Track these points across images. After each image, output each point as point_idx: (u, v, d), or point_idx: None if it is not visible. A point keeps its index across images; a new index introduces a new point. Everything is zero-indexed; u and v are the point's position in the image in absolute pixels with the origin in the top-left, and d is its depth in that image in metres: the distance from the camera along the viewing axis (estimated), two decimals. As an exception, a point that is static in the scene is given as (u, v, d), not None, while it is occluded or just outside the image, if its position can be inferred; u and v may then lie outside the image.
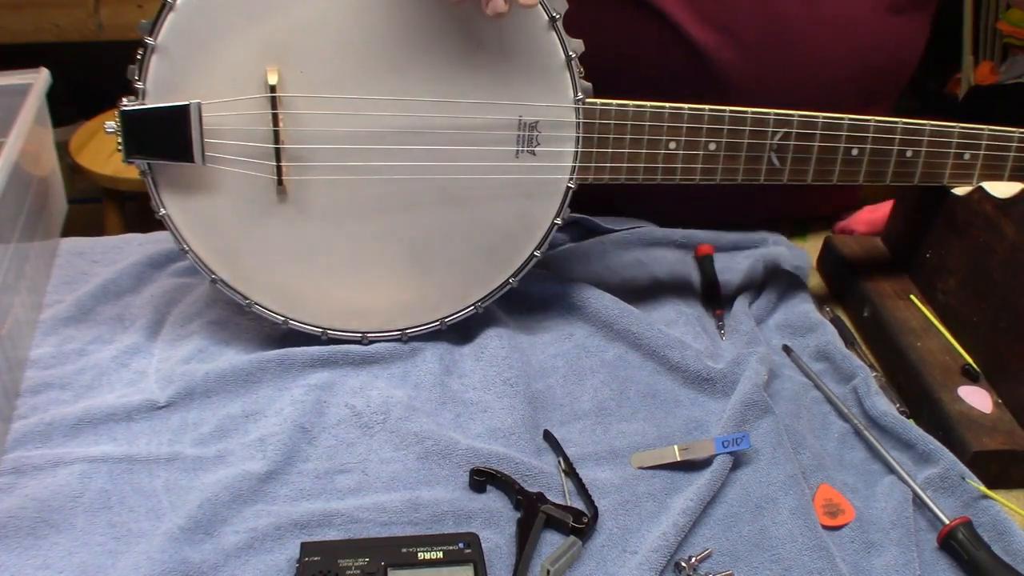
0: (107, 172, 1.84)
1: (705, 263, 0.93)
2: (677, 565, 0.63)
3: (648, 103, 0.74)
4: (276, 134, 0.69)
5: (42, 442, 0.70)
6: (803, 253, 0.96)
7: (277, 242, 0.73)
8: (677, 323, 0.84)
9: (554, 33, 0.70)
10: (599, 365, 0.80)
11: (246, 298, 0.75)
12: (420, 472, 0.69)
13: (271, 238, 0.73)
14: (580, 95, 0.72)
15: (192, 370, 0.76)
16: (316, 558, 0.60)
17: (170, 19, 0.67)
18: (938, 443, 0.72)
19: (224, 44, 0.68)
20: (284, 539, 0.63)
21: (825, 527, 0.66)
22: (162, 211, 0.72)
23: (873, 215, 0.99)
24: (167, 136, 0.68)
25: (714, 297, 0.89)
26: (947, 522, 0.65)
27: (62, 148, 1.73)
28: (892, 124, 0.78)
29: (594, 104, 0.73)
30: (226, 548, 0.62)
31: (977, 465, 0.70)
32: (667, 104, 0.75)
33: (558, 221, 0.73)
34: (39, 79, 0.89)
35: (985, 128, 0.81)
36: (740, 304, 0.87)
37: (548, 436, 0.73)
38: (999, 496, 0.69)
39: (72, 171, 1.84)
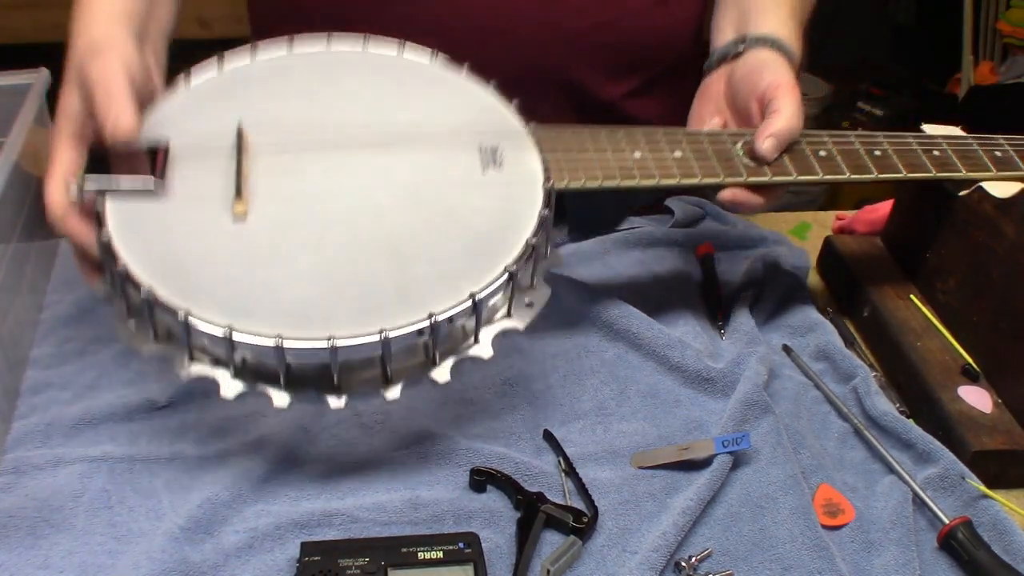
0: (107, 172, 1.84)
1: (705, 263, 0.93)
2: (677, 565, 0.63)
3: (601, 127, 0.76)
4: (239, 164, 0.68)
5: (42, 442, 0.70)
6: (803, 253, 0.96)
7: (230, 257, 0.65)
8: (677, 323, 0.84)
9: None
10: (599, 365, 0.80)
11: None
12: (420, 472, 0.69)
13: (224, 254, 0.65)
14: (531, 123, 0.74)
15: (192, 370, 0.75)
16: (316, 558, 0.60)
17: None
18: (938, 443, 0.72)
19: (207, 114, 0.72)
20: (284, 539, 0.63)
21: (825, 527, 0.66)
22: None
23: (873, 215, 0.99)
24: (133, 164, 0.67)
25: (714, 297, 0.89)
26: (947, 522, 0.66)
27: (62, 148, 1.73)
28: (846, 133, 0.80)
29: (546, 127, 0.74)
30: (226, 548, 0.62)
31: (977, 465, 0.71)
32: (620, 127, 0.77)
33: (545, 212, 0.70)
34: (39, 79, 0.89)
35: (941, 136, 0.82)
36: (740, 304, 0.87)
37: (548, 436, 0.73)
38: (999, 496, 0.69)
39: (72, 171, 1.84)
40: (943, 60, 2.70)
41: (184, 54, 0.85)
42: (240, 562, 0.62)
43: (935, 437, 0.73)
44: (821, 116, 2.78)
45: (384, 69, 0.77)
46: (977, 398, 0.76)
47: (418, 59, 0.78)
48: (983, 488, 0.69)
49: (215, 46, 1.00)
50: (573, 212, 0.73)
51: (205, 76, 0.76)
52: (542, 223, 0.67)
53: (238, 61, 0.77)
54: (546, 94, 0.92)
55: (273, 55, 0.77)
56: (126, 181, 0.65)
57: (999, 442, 0.72)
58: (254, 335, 0.59)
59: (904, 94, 2.71)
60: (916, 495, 0.69)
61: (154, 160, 0.66)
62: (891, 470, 0.71)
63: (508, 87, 0.82)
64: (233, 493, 0.66)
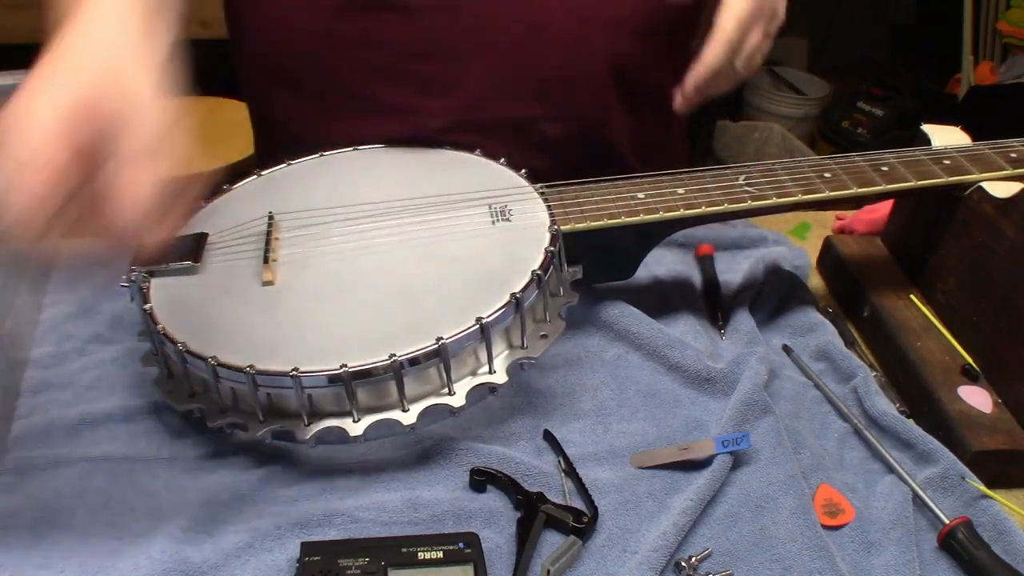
0: (107, 172, 1.84)
1: (705, 263, 0.93)
2: (677, 565, 0.63)
3: (604, 178, 0.80)
4: (267, 241, 0.75)
5: (43, 442, 0.70)
6: (803, 253, 0.96)
7: (256, 318, 0.70)
8: (677, 323, 0.84)
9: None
10: (599, 365, 0.80)
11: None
12: (420, 472, 0.69)
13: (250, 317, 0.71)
14: (539, 184, 0.80)
15: (192, 370, 0.76)
16: (316, 558, 0.60)
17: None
18: (938, 443, 0.72)
19: (244, 209, 0.80)
20: (284, 539, 0.63)
21: (825, 527, 0.66)
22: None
23: (873, 215, 0.99)
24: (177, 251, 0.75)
25: (714, 297, 0.89)
26: (947, 522, 0.66)
27: (62, 148, 1.72)
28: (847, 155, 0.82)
29: (552, 185, 0.80)
30: (226, 548, 0.62)
31: (977, 465, 0.71)
32: (619, 176, 0.80)
33: (552, 249, 0.72)
34: (39, 79, 0.89)
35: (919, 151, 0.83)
36: (740, 304, 0.87)
37: (548, 436, 0.73)
38: (999, 496, 0.69)
39: (72, 171, 1.83)
40: (943, 60, 2.70)
41: (185, 53, 0.85)
42: (240, 562, 0.62)
43: (935, 437, 0.73)
44: (821, 116, 2.78)
45: (403, 156, 0.86)
46: (977, 398, 0.76)
47: (434, 148, 0.86)
48: (983, 488, 0.69)
49: (216, 46, 1.00)
50: (588, 264, 0.78)
51: (244, 181, 0.85)
52: (549, 258, 0.71)
53: (274, 168, 0.86)
54: (594, 84, 0.92)
55: (305, 160, 0.87)
56: (169, 266, 0.73)
57: (999, 442, 0.72)
58: (273, 370, 0.64)
59: (904, 94, 2.71)
60: (916, 495, 0.69)
61: (195, 247, 0.74)
62: (891, 470, 0.71)
63: (553, 82, 0.86)
64: (233, 493, 0.66)
